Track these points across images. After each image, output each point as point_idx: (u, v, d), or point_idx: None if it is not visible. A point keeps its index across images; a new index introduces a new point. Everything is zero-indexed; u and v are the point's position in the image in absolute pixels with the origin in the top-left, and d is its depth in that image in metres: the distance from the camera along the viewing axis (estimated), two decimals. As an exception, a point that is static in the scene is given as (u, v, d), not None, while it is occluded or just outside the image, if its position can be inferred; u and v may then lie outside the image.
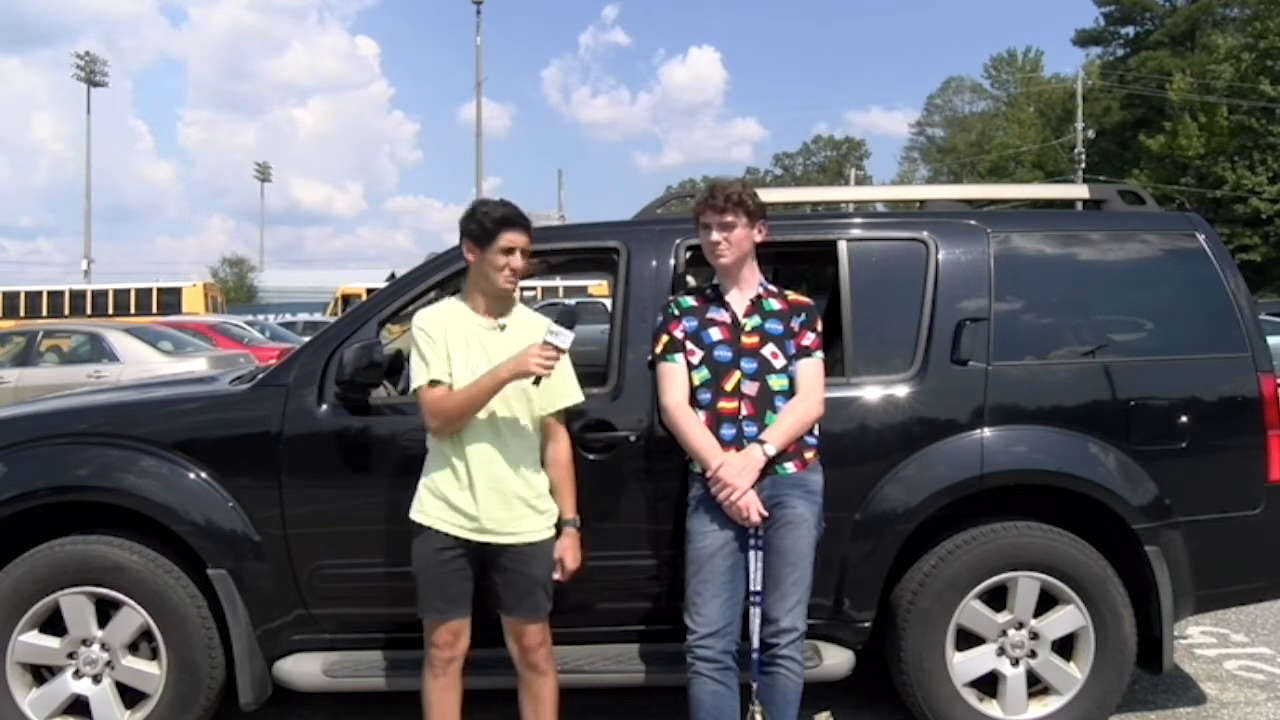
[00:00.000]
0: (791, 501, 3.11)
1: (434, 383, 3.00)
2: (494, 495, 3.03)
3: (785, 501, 3.11)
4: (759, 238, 3.24)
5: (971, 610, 3.54)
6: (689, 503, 3.20)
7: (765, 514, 3.07)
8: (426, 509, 3.08)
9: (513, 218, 3.04)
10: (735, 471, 3.04)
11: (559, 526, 3.16)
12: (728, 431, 3.13)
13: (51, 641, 3.52)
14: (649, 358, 3.37)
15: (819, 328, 3.28)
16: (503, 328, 3.13)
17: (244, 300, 53.76)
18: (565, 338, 2.97)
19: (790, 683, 3.10)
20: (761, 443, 3.08)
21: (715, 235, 3.18)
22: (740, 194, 3.16)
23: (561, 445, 3.20)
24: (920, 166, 67.71)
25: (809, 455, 3.19)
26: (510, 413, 3.07)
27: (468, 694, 3.24)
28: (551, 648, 3.21)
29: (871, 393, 3.56)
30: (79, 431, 3.66)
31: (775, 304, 3.25)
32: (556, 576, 3.15)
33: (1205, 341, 3.70)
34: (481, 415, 3.02)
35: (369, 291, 15.82)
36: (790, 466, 3.14)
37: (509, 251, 3.03)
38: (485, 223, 3.02)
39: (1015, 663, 3.58)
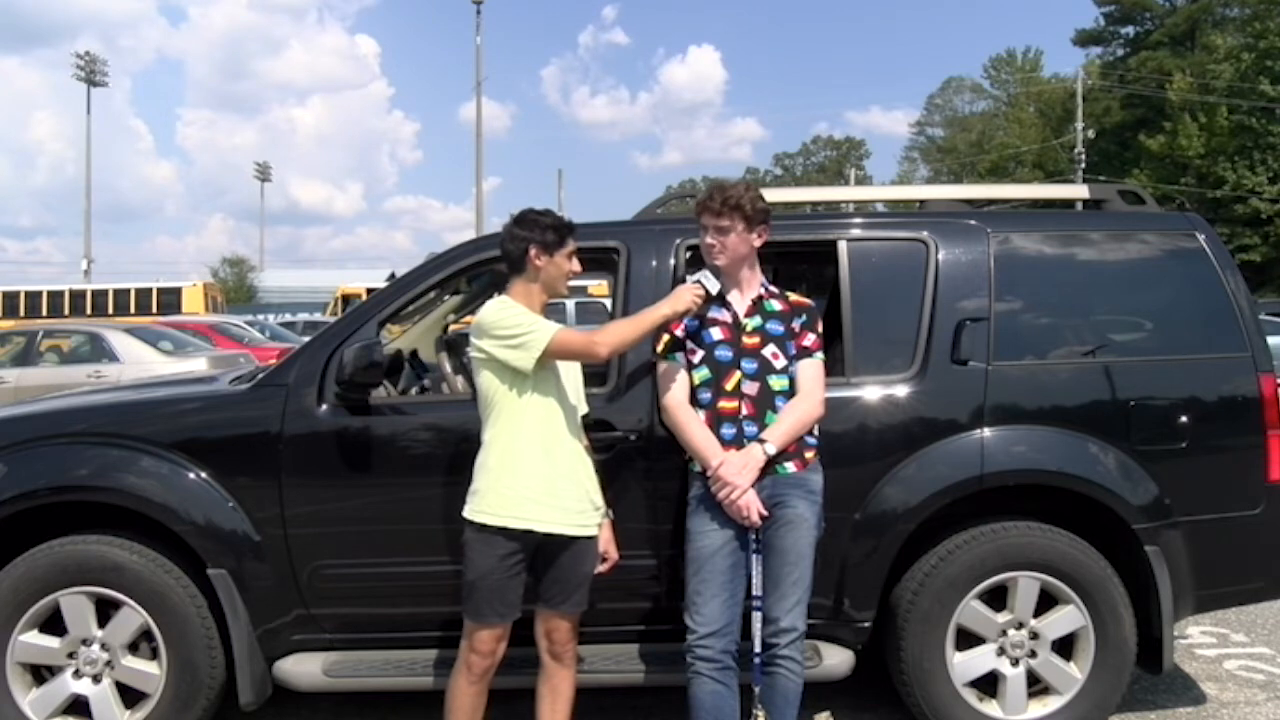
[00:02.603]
0: (792, 501, 3.11)
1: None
2: (575, 487, 3.10)
3: (785, 501, 3.11)
4: (758, 243, 3.22)
5: (971, 610, 3.54)
6: (689, 502, 3.20)
7: (765, 513, 3.07)
8: (496, 509, 3.02)
9: (573, 224, 3.19)
10: (735, 470, 3.04)
11: None
12: (728, 431, 3.13)
13: (51, 641, 3.52)
14: (649, 357, 3.37)
15: (820, 329, 3.28)
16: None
17: (244, 300, 53.65)
18: (714, 283, 3.16)
19: (790, 683, 3.10)
20: (762, 442, 3.08)
21: (710, 239, 3.18)
22: (739, 198, 3.14)
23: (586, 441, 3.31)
24: (920, 166, 67.77)
25: (809, 455, 3.18)
26: (581, 406, 3.21)
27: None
28: (576, 644, 3.24)
29: (871, 393, 3.56)
30: (79, 431, 3.66)
31: (776, 305, 3.25)
32: (601, 569, 3.22)
33: (1205, 341, 3.70)
34: (563, 409, 3.11)
35: (369, 291, 15.83)
36: (790, 466, 3.14)
37: (571, 255, 3.17)
38: (560, 229, 3.13)
39: (1015, 663, 3.58)
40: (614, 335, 3.09)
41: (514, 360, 3.00)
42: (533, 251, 3.11)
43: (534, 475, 3.03)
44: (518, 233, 3.13)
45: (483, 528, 3.02)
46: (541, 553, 3.08)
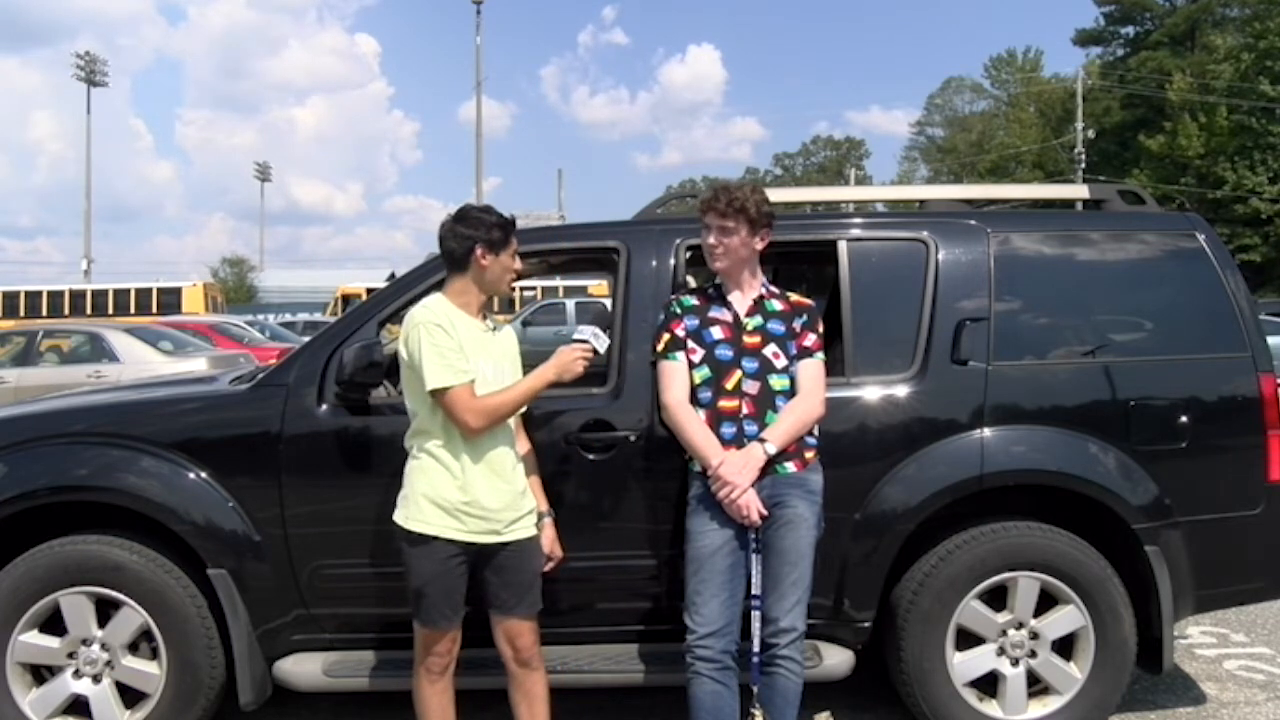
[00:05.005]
0: (791, 501, 3.11)
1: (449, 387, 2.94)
2: (507, 494, 3.05)
3: (785, 501, 3.11)
4: (760, 245, 3.22)
5: (971, 610, 3.54)
6: (689, 502, 3.20)
7: (765, 513, 3.07)
8: (430, 519, 2.99)
9: (515, 222, 3.14)
10: (735, 470, 3.04)
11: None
12: (728, 430, 3.13)
13: (51, 641, 3.52)
14: (650, 357, 3.37)
15: (820, 329, 3.28)
16: (494, 329, 3.17)
17: (244, 300, 53.65)
18: (603, 341, 3.12)
19: (790, 683, 3.09)
20: (762, 441, 3.08)
21: (712, 238, 3.18)
22: (745, 201, 3.13)
23: (528, 442, 3.28)
24: (920, 166, 67.76)
25: (809, 455, 3.18)
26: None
27: (462, 694, 3.24)
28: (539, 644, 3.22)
29: (871, 393, 3.56)
30: (79, 431, 3.66)
31: (778, 304, 3.25)
32: (547, 568, 3.20)
33: (1205, 341, 3.70)
34: None
35: (369, 291, 15.84)
36: (790, 466, 3.14)
37: (515, 254, 3.13)
38: (505, 228, 3.09)
39: (1015, 663, 3.58)
40: (488, 413, 2.96)
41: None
42: (478, 251, 3.06)
43: (460, 489, 2.98)
44: (462, 231, 3.07)
45: (411, 534, 3.00)
46: (482, 559, 3.06)
